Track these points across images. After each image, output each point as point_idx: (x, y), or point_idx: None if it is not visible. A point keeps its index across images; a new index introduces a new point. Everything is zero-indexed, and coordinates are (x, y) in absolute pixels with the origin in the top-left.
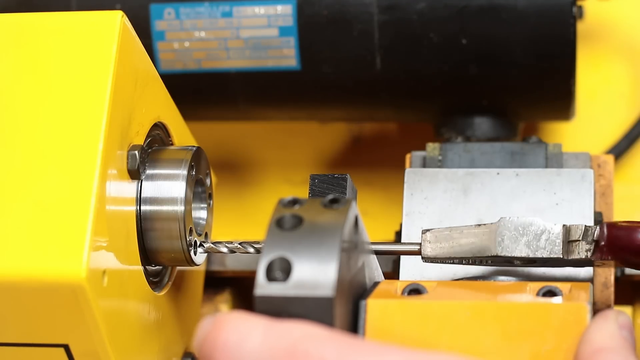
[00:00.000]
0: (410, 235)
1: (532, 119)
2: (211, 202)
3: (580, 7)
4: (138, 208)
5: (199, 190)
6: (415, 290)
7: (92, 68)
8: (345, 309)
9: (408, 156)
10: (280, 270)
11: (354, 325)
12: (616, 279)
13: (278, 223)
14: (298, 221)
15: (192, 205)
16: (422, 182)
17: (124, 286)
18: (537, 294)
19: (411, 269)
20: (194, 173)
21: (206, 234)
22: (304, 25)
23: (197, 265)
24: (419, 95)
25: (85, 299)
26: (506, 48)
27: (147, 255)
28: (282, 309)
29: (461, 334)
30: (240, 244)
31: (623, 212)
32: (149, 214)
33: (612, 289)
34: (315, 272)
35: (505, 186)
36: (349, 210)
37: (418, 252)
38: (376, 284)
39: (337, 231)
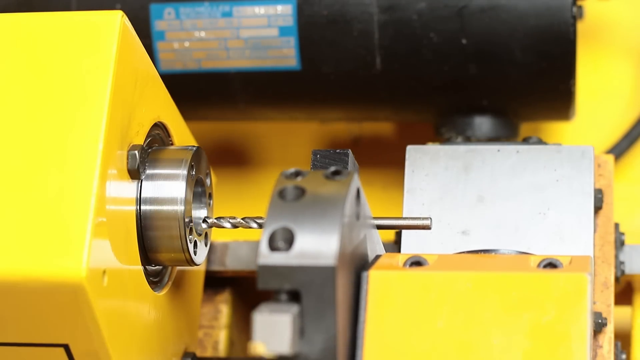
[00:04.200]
0: (412, 211)
1: (532, 119)
2: (211, 202)
3: (580, 7)
4: (138, 208)
5: (199, 190)
6: (416, 262)
7: (92, 68)
8: (347, 280)
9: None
10: (283, 240)
11: (355, 296)
12: (616, 279)
13: (280, 194)
14: (300, 192)
15: (192, 205)
16: (424, 159)
17: (124, 286)
18: (538, 266)
19: (412, 244)
20: (194, 173)
21: (206, 234)
22: (304, 25)
23: (197, 265)
24: (419, 95)
25: (85, 299)
26: (506, 48)
27: (147, 255)
28: (284, 278)
29: (462, 304)
30: (243, 219)
31: (623, 212)
32: (149, 214)
33: (612, 289)
34: (317, 242)
35: (506, 163)
36: (351, 182)
37: (420, 227)
38: (378, 256)
39: (340, 202)
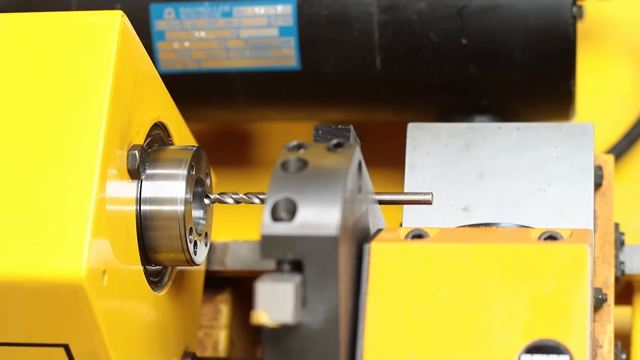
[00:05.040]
0: (413, 187)
1: (532, 118)
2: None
3: (580, 7)
4: (138, 208)
5: (199, 190)
6: (418, 235)
7: (92, 68)
8: (349, 251)
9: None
10: (286, 211)
11: (357, 268)
12: (616, 279)
13: (283, 166)
14: (303, 164)
15: (192, 205)
16: (425, 136)
17: (124, 286)
18: (539, 239)
19: (414, 219)
20: (194, 173)
21: (206, 234)
22: (304, 25)
23: (197, 265)
24: (419, 95)
25: (85, 298)
26: (506, 48)
27: (147, 255)
28: (287, 248)
29: (463, 275)
30: (245, 194)
31: (623, 212)
32: (149, 214)
33: (612, 288)
34: (319, 213)
35: (507, 140)
36: (353, 154)
37: (421, 202)
38: (379, 230)
39: (342, 173)
